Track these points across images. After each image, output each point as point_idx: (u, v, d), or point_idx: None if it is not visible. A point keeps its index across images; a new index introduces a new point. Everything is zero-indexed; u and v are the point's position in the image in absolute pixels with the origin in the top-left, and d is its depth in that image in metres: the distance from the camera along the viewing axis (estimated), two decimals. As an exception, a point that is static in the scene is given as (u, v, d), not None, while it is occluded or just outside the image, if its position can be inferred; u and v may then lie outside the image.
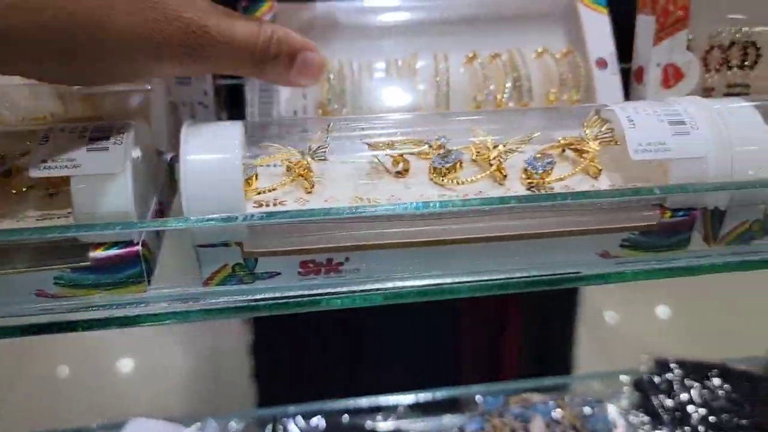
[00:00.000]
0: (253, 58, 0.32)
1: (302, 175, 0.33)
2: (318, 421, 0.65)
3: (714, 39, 0.43)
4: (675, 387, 0.64)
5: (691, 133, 0.33)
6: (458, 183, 0.33)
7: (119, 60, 0.29)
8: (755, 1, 0.43)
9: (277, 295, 0.32)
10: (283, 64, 0.33)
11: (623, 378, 0.70)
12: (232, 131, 0.31)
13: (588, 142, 0.34)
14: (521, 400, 0.66)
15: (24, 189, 0.34)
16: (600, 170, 0.34)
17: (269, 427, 0.64)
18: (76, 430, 0.64)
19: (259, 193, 0.32)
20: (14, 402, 1.28)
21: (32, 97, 0.39)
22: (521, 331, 0.87)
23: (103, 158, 0.30)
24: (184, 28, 0.29)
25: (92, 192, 0.30)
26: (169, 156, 0.38)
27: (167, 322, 0.32)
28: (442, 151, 0.34)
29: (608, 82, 0.45)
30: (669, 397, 0.63)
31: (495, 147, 0.34)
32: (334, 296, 0.33)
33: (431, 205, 0.31)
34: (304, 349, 0.85)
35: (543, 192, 0.33)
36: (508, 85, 0.45)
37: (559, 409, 0.65)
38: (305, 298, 0.33)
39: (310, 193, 0.33)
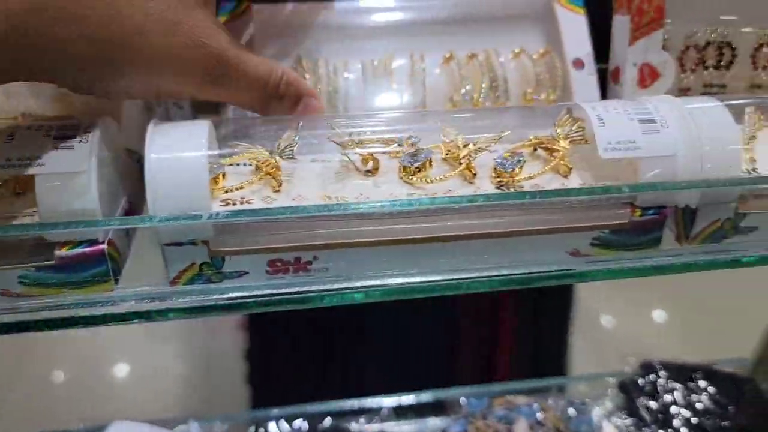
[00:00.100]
0: (264, 94, 0.34)
1: (270, 174, 0.32)
2: (300, 423, 0.64)
3: (690, 39, 0.43)
4: (659, 389, 0.64)
5: (661, 132, 0.33)
6: (428, 182, 0.33)
7: (146, 78, 0.30)
8: (729, 2, 0.43)
9: (245, 294, 0.32)
10: (288, 105, 0.36)
11: (609, 380, 0.69)
12: (198, 130, 0.31)
13: (558, 141, 0.34)
14: (505, 402, 0.66)
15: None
16: (570, 169, 0.34)
17: (251, 429, 0.64)
18: (56, 433, 0.64)
19: (226, 192, 0.32)
20: (9, 404, 1.27)
21: (5, 97, 0.39)
22: (515, 334, 0.86)
23: (68, 157, 0.30)
24: (208, 56, 0.31)
25: (57, 190, 0.30)
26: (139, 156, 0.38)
27: (134, 321, 0.32)
28: (411, 150, 0.34)
29: (585, 82, 0.45)
30: (653, 400, 0.63)
31: (465, 146, 0.34)
32: (303, 295, 0.33)
33: (398, 203, 0.30)
34: (298, 353, 0.85)
35: (512, 190, 0.33)
36: (485, 85, 0.45)
37: (543, 412, 0.65)
38: (273, 298, 0.33)
39: (278, 191, 0.32)
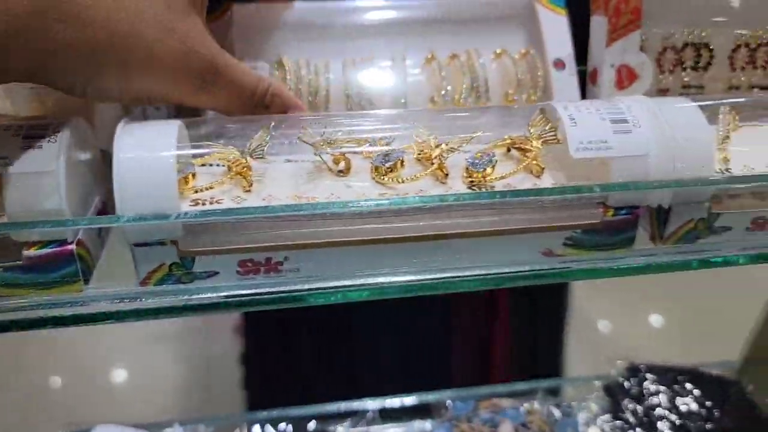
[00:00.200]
0: (250, 103, 0.35)
1: (241, 174, 0.32)
2: (285, 427, 0.64)
3: (667, 40, 0.43)
4: (645, 392, 0.64)
5: (633, 132, 0.33)
6: (399, 182, 0.33)
7: (138, 82, 0.31)
8: (707, 3, 0.43)
9: (215, 295, 0.32)
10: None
11: (596, 383, 0.69)
12: (167, 130, 0.31)
13: (531, 141, 0.34)
14: (491, 406, 0.66)
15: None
16: (542, 169, 0.34)
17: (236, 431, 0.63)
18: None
19: (196, 192, 0.32)
20: (3, 408, 1.27)
21: (-20, 97, 0.39)
22: (509, 336, 0.87)
23: (35, 156, 0.30)
24: (199, 62, 0.32)
25: (24, 190, 0.30)
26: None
27: (103, 322, 0.32)
28: (384, 150, 0.34)
29: (566, 82, 0.45)
30: (638, 402, 0.63)
31: (437, 146, 0.34)
32: (273, 295, 0.33)
33: (367, 203, 0.30)
34: (294, 357, 0.85)
35: (483, 190, 0.33)
36: (465, 86, 0.45)
37: (528, 415, 0.64)
38: (245, 298, 0.33)
39: (248, 191, 0.32)
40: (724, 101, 0.38)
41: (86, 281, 0.32)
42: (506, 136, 0.35)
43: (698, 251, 0.35)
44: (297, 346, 0.84)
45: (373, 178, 0.33)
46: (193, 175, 0.32)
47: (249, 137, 0.34)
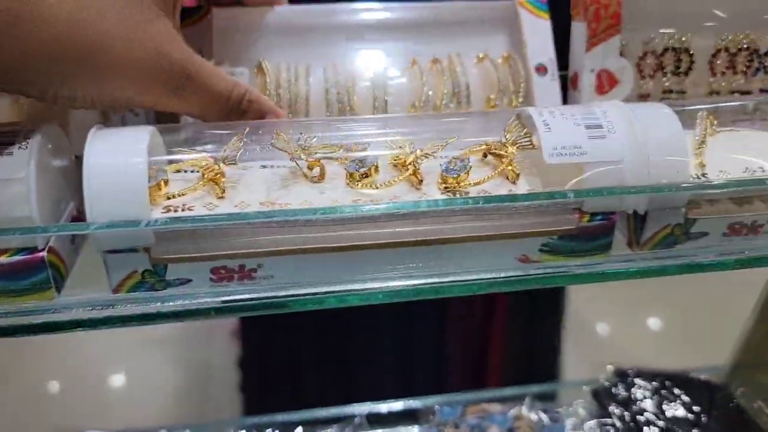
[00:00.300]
0: (225, 107, 0.35)
1: (213, 180, 0.32)
2: (271, 432, 0.64)
3: (648, 45, 0.43)
4: (632, 397, 0.64)
5: (607, 137, 0.33)
6: (373, 187, 0.33)
7: (107, 87, 0.31)
8: (686, 8, 0.43)
9: (189, 302, 0.32)
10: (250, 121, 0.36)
11: (584, 388, 0.69)
12: (139, 136, 0.31)
13: (507, 147, 0.34)
14: (479, 411, 0.66)
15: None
16: (518, 174, 0.34)
17: (221, 439, 0.63)
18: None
19: (168, 198, 0.32)
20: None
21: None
22: (506, 340, 0.86)
23: (5, 163, 0.30)
24: (169, 66, 0.32)
25: (-6, 197, 0.29)
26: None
27: (75, 330, 0.31)
28: (358, 156, 0.34)
29: (548, 88, 0.45)
30: (626, 407, 0.63)
31: (412, 152, 0.34)
32: (247, 302, 0.32)
33: (339, 210, 0.30)
34: (292, 361, 0.85)
35: (458, 196, 0.33)
36: (447, 91, 0.44)
37: (516, 420, 0.64)
38: (221, 305, 0.33)
39: (222, 198, 0.32)
40: (702, 106, 0.38)
41: (58, 289, 0.32)
42: (483, 142, 0.35)
43: (675, 257, 0.35)
44: (294, 350, 0.84)
45: (348, 184, 0.33)
46: (166, 182, 0.32)
47: (225, 143, 0.34)
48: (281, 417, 0.65)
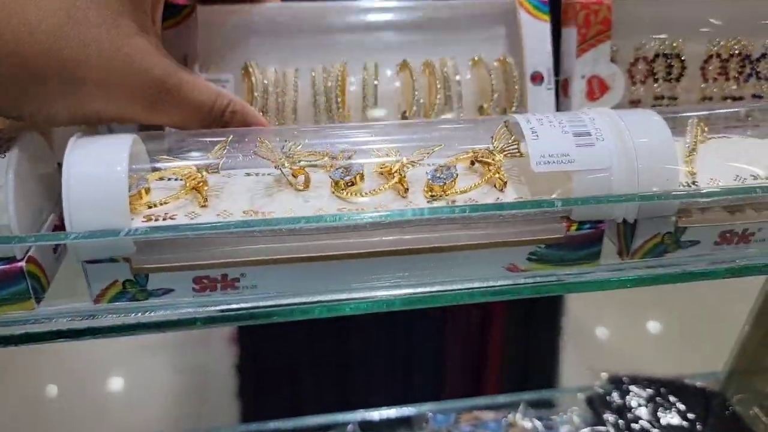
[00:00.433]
0: (207, 119, 0.35)
1: (196, 189, 0.32)
2: (264, 441, 0.63)
3: (639, 51, 0.43)
4: (627, 404, 0.63)
5: (595, 145, 0.32)
6: (359, 196, 0.32)
7: (86, 104, 0.31)
8: (678, 14, 0.43)
9: (171, 312, 0.32)
10: None
11: (578, 395, 0.69)
12: (120, 144, 0.30)
13: (495, 155, 0.34)
14: (472, 418, 0.65)
15: None
16: (505, 182, 0.33)
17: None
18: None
19: (149, 207, 0.31)
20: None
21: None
22: (504, 347, 0.86)
23: (-16, 172, 0.29)
24: (149, 82, 0.32)
25: (-28, 206, 0.29)
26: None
27: (55, 340, 0.31)
28: (343, 164, 0.33)
29: (542, 97, 0.44)
30: (620, 415, 0.62)
31: (398, 160, 0.33)
32: (230, 313, 0.32)
33: (323, 218, 0.30)
34: (289, 367, 0.85)
35: (444, 205, 0.32)
36: (439, 96, 0.44)
37: (509, 427, 0.64)
38: (204, 315, 0.32)
39: (204, 206, 0.32)
40: (693, 113, 0.37)
41: (38, 299, 0.31)
42: (470, 150, 0.35)
43: (665, 266, 0.35)
44: (292, 356, 0.84)
45: (333, 193, 0.33)
46: (147, 191, 0.31)
47: (209, 151, 0.34)
48: (274, 424, 0.64)
